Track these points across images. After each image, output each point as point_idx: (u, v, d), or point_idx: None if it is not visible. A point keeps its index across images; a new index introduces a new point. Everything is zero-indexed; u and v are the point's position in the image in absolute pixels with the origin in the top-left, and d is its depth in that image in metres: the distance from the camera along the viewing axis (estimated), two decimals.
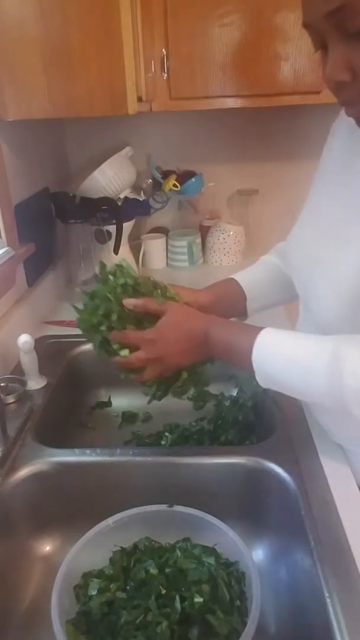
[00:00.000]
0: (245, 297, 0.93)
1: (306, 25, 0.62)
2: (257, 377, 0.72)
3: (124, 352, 0.79)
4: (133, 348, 0.79)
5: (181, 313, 0.79)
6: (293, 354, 0.69)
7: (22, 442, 0.93)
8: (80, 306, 0.84)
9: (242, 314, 0.95)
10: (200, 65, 1.38)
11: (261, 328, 0.73)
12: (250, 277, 0.96)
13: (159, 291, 0.82)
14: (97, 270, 0.82)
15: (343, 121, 0.77)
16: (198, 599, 0.69)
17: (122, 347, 0.79)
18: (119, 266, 0.83)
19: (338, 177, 0.76)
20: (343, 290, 0.68)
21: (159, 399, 0.86)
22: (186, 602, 0.70)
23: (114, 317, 0.78)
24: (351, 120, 0.68)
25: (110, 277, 0.82)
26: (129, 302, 0.78)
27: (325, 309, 0.72)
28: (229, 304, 0.92)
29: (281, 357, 0.70)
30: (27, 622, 0.80)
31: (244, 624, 0.63)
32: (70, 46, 1.05)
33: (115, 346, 0.80)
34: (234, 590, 0.73)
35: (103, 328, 0.79)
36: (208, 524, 0.79)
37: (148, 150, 1.81)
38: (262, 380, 0.72)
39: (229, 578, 0.74)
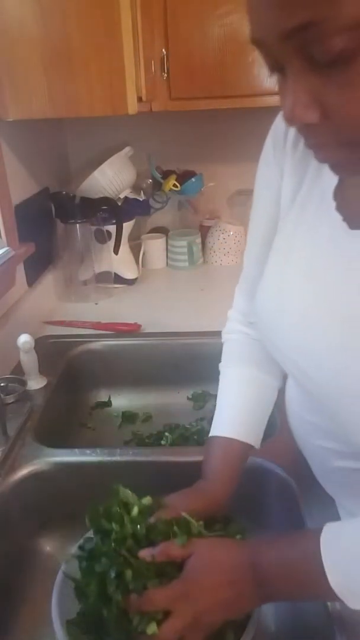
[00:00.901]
0: (252, 447, 0.75)
1: (255, 42, 0.44)
2: (348, 601, 0.50)
3: (152, 629, 0.55)
4: (159, 614, 0.56)
5: (211, 549, 0.61)
6: None
7: (22, 442, 0.93)
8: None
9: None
10: (200, 65, 1.38)
11: (315, 529, 0.53)
12: (244, 424, 0.75)
13: (174, 528, 0.62)
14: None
15: (282, 155, 0.65)
16: None
17: (146, 618, 0.56)
18: (123, 504, 0.65)
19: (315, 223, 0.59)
20: None
21: None
22: None
23: (129, 575, 0.58)
24: (297, 154, 0.61)
25: (114, 525, 0.63)
26: (146, 553, 0.59)
27: None
28: (240, 469, 0.75)
29: None
30: (27, 622, 0.80)
31: (244, 624, 0.63)
32: (70, 46, 1.05)
33: (136, 619, 0.56)
34: None
35: (118, 597, 0.57)
36: None
37: (148, 150, 1.81)
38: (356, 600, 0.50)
39: None
